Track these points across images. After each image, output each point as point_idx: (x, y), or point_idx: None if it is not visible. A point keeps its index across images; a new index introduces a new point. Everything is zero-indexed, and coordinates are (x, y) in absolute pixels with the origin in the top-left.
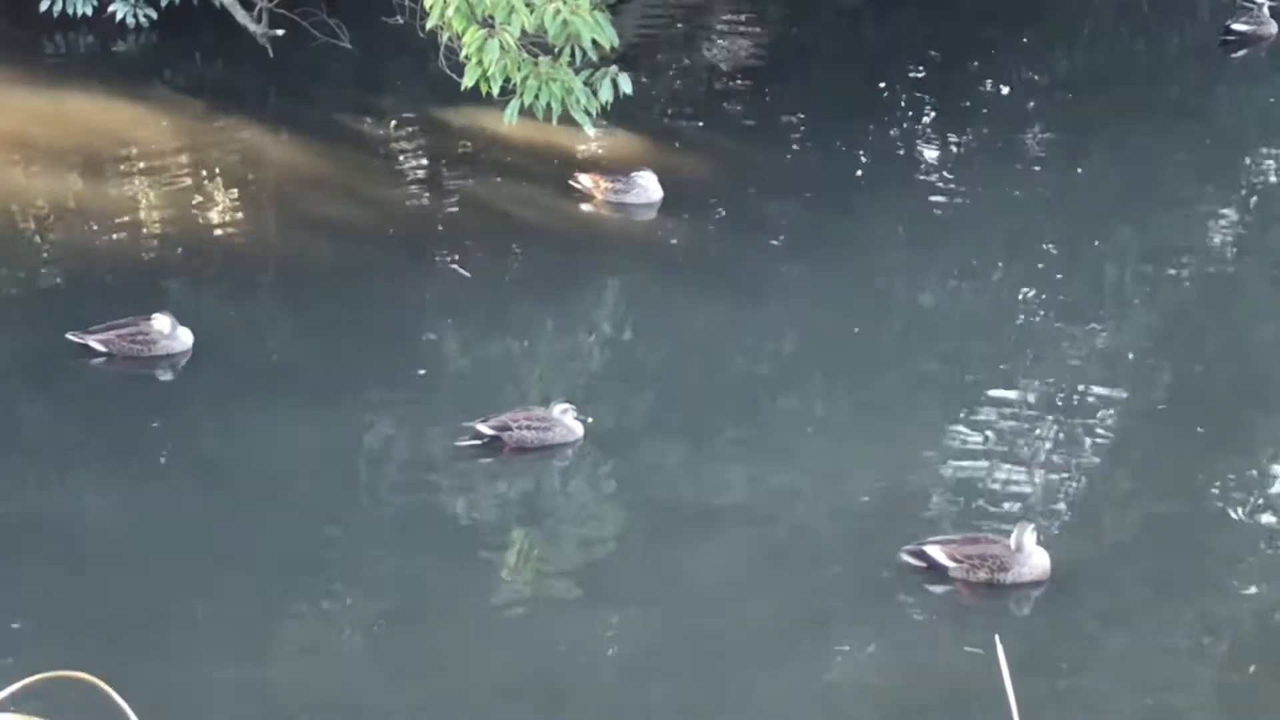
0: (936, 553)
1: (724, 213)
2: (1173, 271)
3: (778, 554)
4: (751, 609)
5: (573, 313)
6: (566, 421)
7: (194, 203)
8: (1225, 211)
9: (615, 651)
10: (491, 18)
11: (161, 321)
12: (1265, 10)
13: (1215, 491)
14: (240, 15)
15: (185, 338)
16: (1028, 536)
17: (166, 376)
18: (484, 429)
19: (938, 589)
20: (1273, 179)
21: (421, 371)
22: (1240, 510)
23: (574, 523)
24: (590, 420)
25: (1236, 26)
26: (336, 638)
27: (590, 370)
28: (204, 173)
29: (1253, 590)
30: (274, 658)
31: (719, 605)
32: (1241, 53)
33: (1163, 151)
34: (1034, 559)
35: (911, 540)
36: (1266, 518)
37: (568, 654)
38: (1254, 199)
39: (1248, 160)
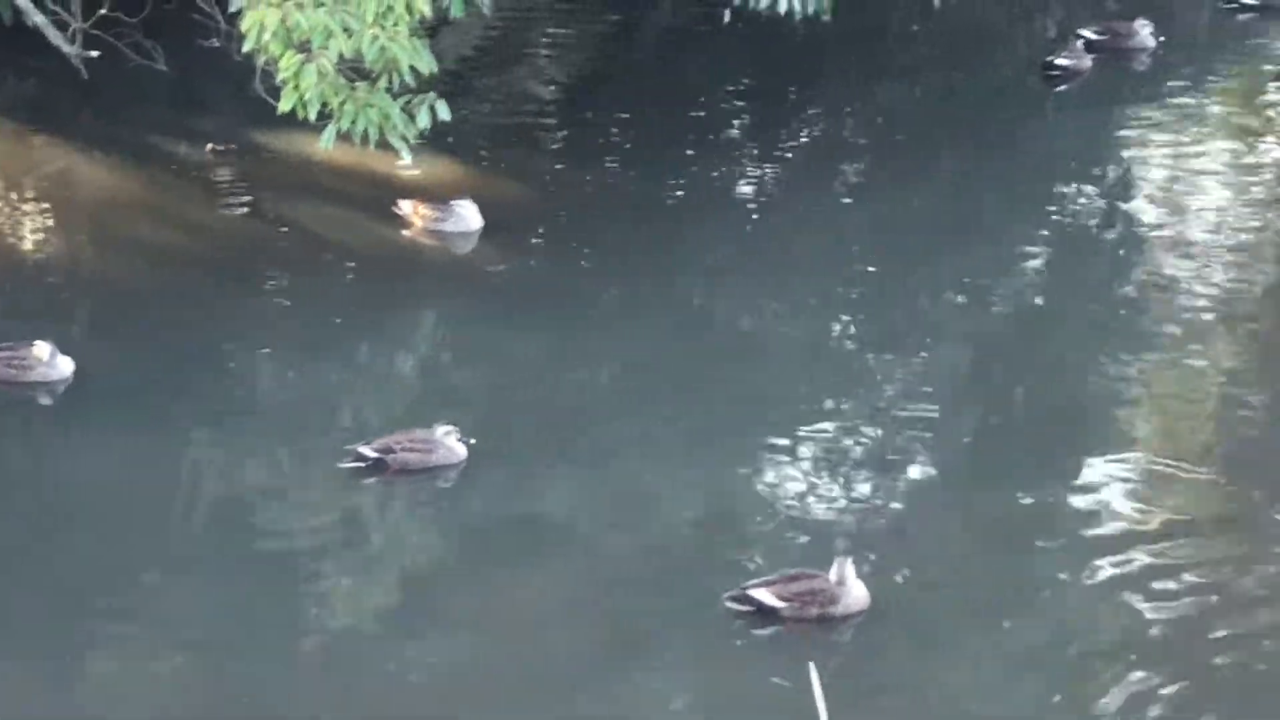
0: (763, 595)
1: (544, 239)
2: (988, 301)
3: (600, 581)
4: (575, 637)
5: (392, 339)
6: (449, 443)
7: (6, 225)
8: (1039, 242)
9: (437, 679)
10: (309, 42)
11: (41, 349)
12: (1080, 45)
13: (1028, 518)
14: (53, 36)
15: (65, 366)
16: (848, 569)
17: (45, 401)
18: (367, 451)
19: (757, 617)
20: (1085, 210)
21: (241, 396)
22: (1052, 536)
23: (398, 549)
24: (474, 442)
25: (1059, 61)
26: (159, 668)
27: (411, 397)
28: (15, 195)
29: (1065, 615)
30: (91, 689)
31: (541, 633)
32: (1064, 87)
33: (980, 182)
34: (855, 590)
35: (731, 570)
36: (1077, 543)
37: (390, 682)
38: (1067, 229)
39: (1061, 191)
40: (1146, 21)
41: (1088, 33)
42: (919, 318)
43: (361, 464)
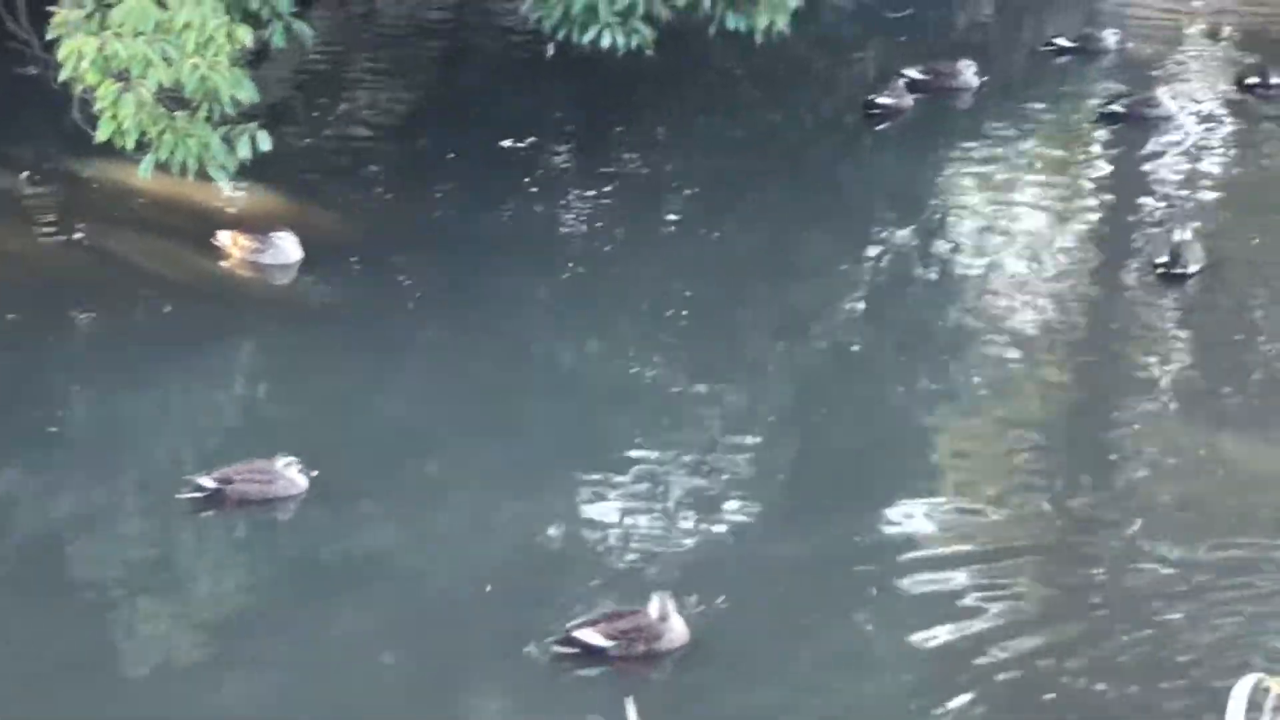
0: (589, 635)
1: (364, 272)
2: (807, 337)
3: (423, 617)
4: (395, 674)
5: (210, 371)
6: (290, 475)
7: None
8: (859, 279)
9: (249, 718)
10: (127, 72)
11: None
12: (902, 84)
13: (845, 551)
14: None
15: None
16: (669, 604)
17: None
18: (205, 482)
19: (584, 657)
20: (904, 248)
21: (62, 428)
22: (867, 568)
23: (226, 581)
24: (315, 474)
25: (881, 100)
26: None
27: (231, 429)
28: None
29: (881, 647)
30: None
31: (361, 671)
32: (885, 125)
33: (800, 220)
34: (677, 625)
35: (553, 605)
36: (892, 575)
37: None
38: (886, 267)
39: (881, 229)
40: (970, 62)
41: (912, 72)
42: (739, 354)
43: (200, 494)
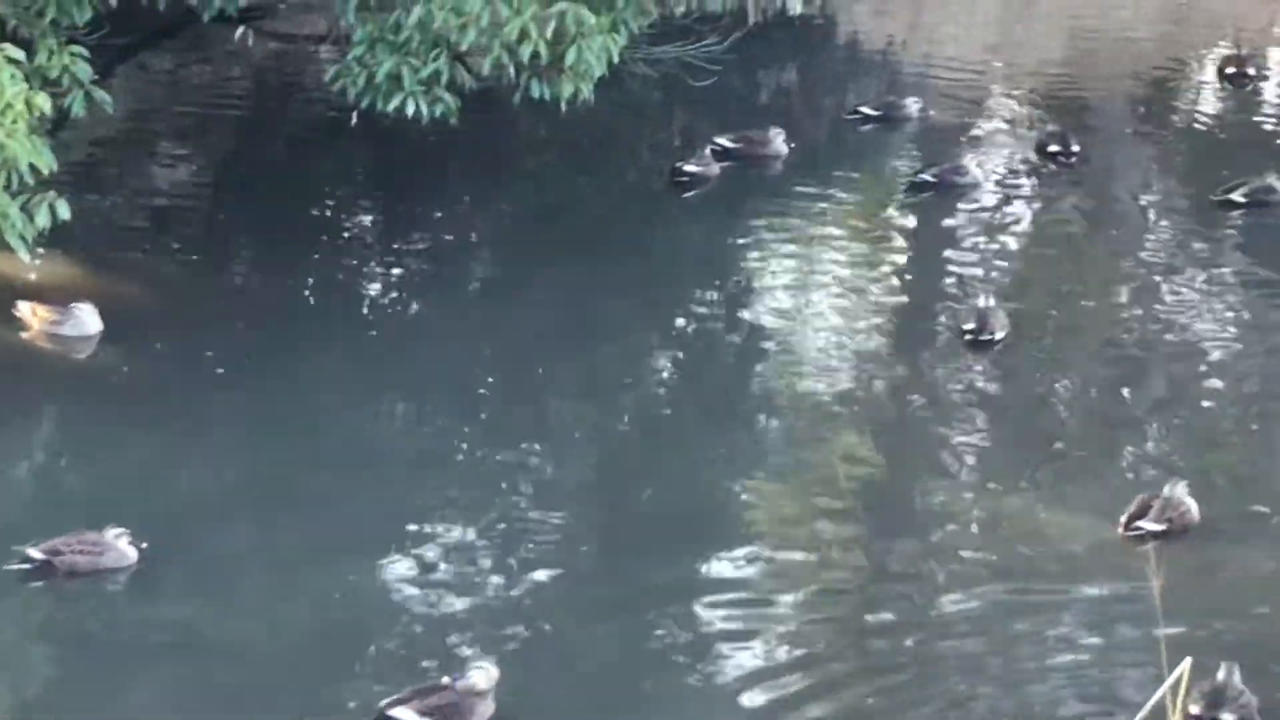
0: (403, 713)
1: (166, 343)
2: (613, 405)
3: (230, 695)
4: None
5: (8, 445)
6: (120, 546)
7: None
8: (664, 346)
9: None
10: None
11: None
12: (708, 152)
13: (653, 620)
14: None
15: None
16: (481, 678)
17: None
18: (34, 553)
19: None
20: (709, 314)
21: None
22: (676, 636)
23: (24, 658)
24: (145, 546)
25: (688, 168)
26: None
27: (30, 503)
28: None
29: (689, 713)
30: None
31: None
32: (692, 193)
33: (605, 287)
34: (484, 698)
35: (356, 682)
36: (701, 643)
37: None
38: (691, 334)
39: (686, 296)
40: (780, 130)
41: (724, 140)
42: (544, 422)
43: (28, 566)
